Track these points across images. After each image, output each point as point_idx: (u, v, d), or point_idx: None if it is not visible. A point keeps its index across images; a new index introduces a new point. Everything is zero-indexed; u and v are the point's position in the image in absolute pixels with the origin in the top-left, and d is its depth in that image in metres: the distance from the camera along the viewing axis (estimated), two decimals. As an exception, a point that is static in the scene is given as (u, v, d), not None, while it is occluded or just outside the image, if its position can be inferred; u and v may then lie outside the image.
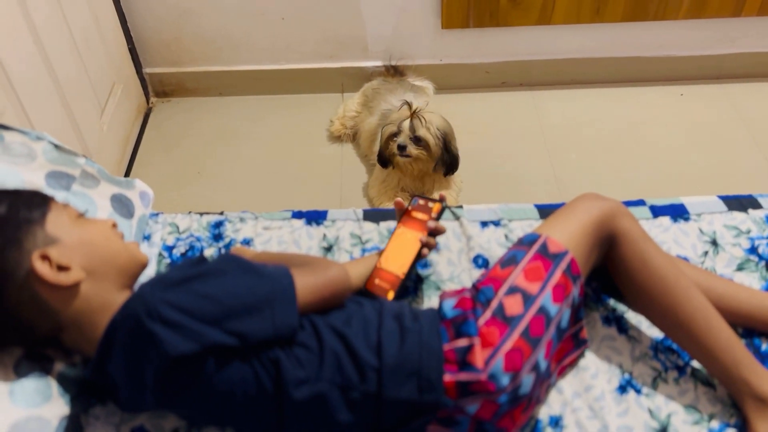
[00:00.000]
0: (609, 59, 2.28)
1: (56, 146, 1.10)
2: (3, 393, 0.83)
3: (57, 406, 0.87)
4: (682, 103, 2.28)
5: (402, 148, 1.78)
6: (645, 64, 2.29)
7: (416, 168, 1.87)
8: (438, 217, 1.09)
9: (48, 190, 1.02)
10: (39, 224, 0.86)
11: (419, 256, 1.06)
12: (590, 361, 1.04)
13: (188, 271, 0.86)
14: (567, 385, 1.01)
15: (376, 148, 1.98)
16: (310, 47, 2.27)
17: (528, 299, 0.92)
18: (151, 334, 0.79)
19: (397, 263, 1.06)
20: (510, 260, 0.98)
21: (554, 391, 1.01)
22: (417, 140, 1.78)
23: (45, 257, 0.83)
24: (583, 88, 2.34)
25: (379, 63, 2.30)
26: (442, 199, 1.11)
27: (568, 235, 0.99)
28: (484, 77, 2.34)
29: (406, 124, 1.78)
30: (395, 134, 1.80)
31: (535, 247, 0.97)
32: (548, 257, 0.96)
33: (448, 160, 1.85)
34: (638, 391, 1.01)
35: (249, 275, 0.88)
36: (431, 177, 1.93)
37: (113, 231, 0.94)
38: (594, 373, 1.02)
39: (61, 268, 0.84)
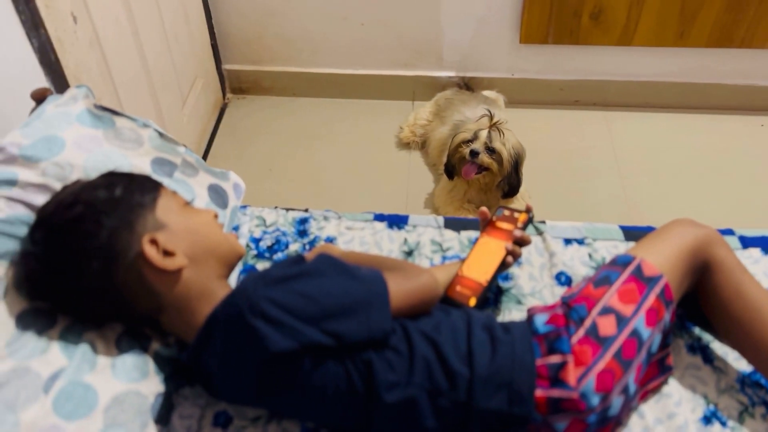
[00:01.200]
0: (688, 84, 2.25)
1: (160, 134, 1.14)
2: (105, 366, 0.87)
3: (153, 383, 0.90)
4: (763, 134, 2.22)
5: (475, 153, 1.78)
6: (726, 91, 2.24)
7: (482, 181, 1.87)
8: (524, 227, 1.09)
9: (153, 176, 1.06)
10: (150, 209, 0.89)
11: (504, 265, 1.06)
12: (674, 388, 1.03)
13: (289, 269, 0.88)
14: (649, 411, 1.00)
15: (446, 157, 1.99)
16: (386, 54, 2.30)
17: (621, 321, 0.91)
18: (253, 329, 0.81)
19: (480, 270, 1.06)
20: (603, 280, 0.97)
21: (635, 415, 0.99)
22: (491, 151, 1.78)
23: (154, 241, 0.87)
24: (659, 112, 2.31)
25: (452, 73, 2.32)
26: (528, 210, 1.11)
27: (663, 259, 0.98)
28: (558, 94, 2.33)
29: (484, 132, 1.78)
30: (469, 140, 1.80)
31: (630, 268, 0.97)
32: (643, 280, 0.95)
33: (513, 182, 1.84)
34: (723, 424, 0.98)
35: (346, 277, 0.89)
36: (496, 192, 1.93)
37: (215, 221, 0.97)
38: (677, 401, 1.01)
39: (167, 254, 0.87)
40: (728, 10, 2.01)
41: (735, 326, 0.99)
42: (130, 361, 0.89)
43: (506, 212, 1.12)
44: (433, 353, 0.88)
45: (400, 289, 0.91)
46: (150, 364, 0.91)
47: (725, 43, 2.09)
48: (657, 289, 0.95)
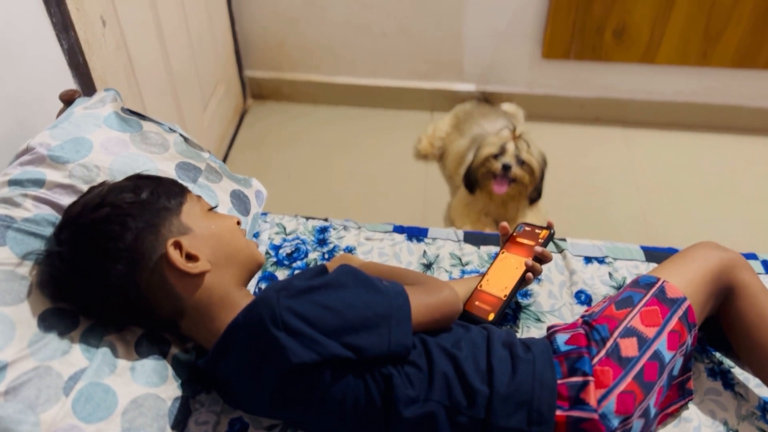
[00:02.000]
0: (711, 105, 2.23)
1: (185, 139, 1.15)
2: (125, 369, 0.87)
3: (171, 388, 0.90)
4: (786, 157, 2.21)
5: (507, 167, 1.78)
6: (749, 113, 2.23)
7: (508, 193, 1.86)
8: (545, 244, 1.08)
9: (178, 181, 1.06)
10: (175, 213, 0.90)
11: (523, 281, 1.05)
12: (693, 412, 1.01)
13: (312, 281, 0.88)
14: (667, 435, 0.99)
15: (464, 170, 1.99)
16: (406, 65, 2.31)
17: (643, 343, 0.90)
18: (275, 340, 0.80)
19: (500, 286, 1.05)
20: (626, 301, 0.96)
21: (654, 439, 0.98)
22: (520, 162, 1.78)
23: (178, 245, 0.87)
24: (681, 131, 2.30)
25: (472, 87, 2.32)
26: (549, 227, 1.10)
27: (686, 282, 0.97)
28: (578, 111, 2.33)
29: (511, 145, 1.78)
30: (496, 155, 1.80)
31: (653, 290, 0.96)
32: (665, 302, 0.94)
33: (540, 187, 1.84)
34: (744, 451, 0.97)
35: (368, 290, 0.89)
36: (515, 204, 1.92)
37: (238, 228, 0.97)
38: (697, 426, 0.99)
39: (190, 258, 0.88)
40: (753, 31, 2.00)
41: (757, 352, 0.97)
42: (150, 364, 0.90)
43: (527, 228, 1.12)
44: (453, 369, 0.88)
45: (421, 304, 0.90)
46: (169, 368, 0.92)
47: (749, 65, 2.08)
48: (680, 312, 0.94)
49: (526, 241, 1.10)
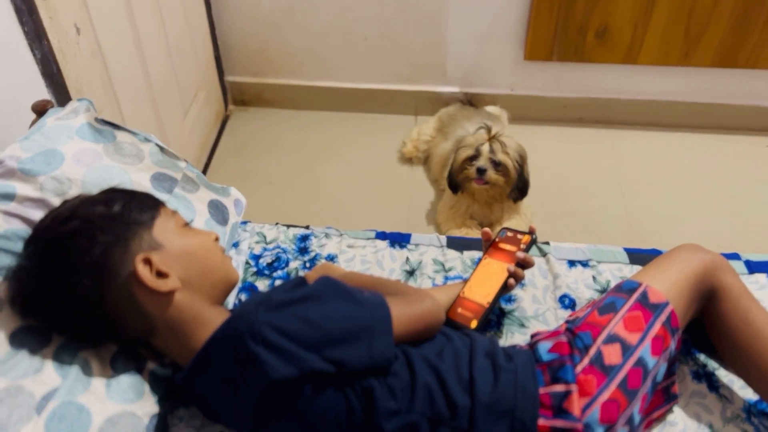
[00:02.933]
0: (693, 104, 2.24)
1: (161, 149, 1.13)
2: (100, 386, 0.85)
3: (148, 404, 0.88)
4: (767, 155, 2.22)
5: (482, 171, 1.76)
6: (731, 112, 2.24)
7: (489, 193, 1.85)
8: (527, 249, 1.08)
9: (152, 192, 1.04)
10: (147, 228, 0.88)
11: (506, 287, 1.04)
12: (678, 416, 1.01)
13: (291, 294, 0.86)
14: (653, 440, 0.98)
15: (447, 172, 1.98)
16: (389, 68, 2.30)
17: (627, 349, 0.89)
18: (253, 356, 0.79)
19: (482, 293, 1.04)
20: (608, 307, 0.95)
21: (639, 444, 0.97)
22: (496, 164, 1.77)
23: (147, 261, 0.85)
24: (664, 131, 2.30)
25: (456, 89, 2.31)
26: (531, 232, 1.09)
27: (668, 286, 0.96)
28: (562, 112, 2.33)
29: (485, 147, 1.76)
30: (473, 157, 1.79)
31: (636, 295, 0.95)
32: (648, 307, 0.93)
33: (520, 185, 1.83)
34: (729, 454, 0.97)
35: (348, 302, 0.87)
36: (500, 204, 1.91)
37: (215, 245, 0.95)
38: (682, 430, 0.99)
39: (160, 275, 0.85)
40: (733, 31, 2.01)
41: (741, 354, 0.97)
42: (125, 381, 0.88)
43: (509, 233, 1.11)
44: (436, 380, 0.86)
45: (403, 315, 0.89)
46: (145, 384, 0.90)
47: (730, 64, 2.09)
48: (663, 317, 0.93)
49: (508, 247, 1.09)
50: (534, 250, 1.24)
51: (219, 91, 2.36)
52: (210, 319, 0.86)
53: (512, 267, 1.04)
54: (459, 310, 1.04)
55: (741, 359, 0.98)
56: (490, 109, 2.23)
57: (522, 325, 1.12)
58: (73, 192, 0.97)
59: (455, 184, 1.88)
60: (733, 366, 1.02)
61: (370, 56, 2.27)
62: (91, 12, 1.44)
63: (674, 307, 0.95)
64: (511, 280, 1.04)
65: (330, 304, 0.86)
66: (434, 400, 0.85)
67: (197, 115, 2.13)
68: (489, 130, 1.78)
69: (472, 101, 2.29)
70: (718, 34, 2.02)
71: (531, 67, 2.21)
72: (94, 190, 0.94)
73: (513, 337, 1.11)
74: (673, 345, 0.94)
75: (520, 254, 1.05)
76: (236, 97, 2.45)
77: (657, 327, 0.92)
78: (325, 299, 0.86)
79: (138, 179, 1.05)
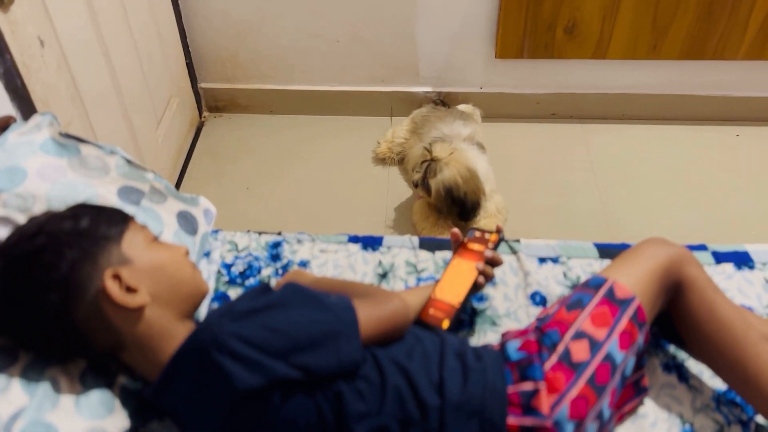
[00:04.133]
0: (663, 96, 2.26)
1: (128, 161, 1.12)
2: (69, 403, 0.84)
3: (119, 419, 0.88)
4: (738, 144, 2.25)
5: (415, 185, 1.90)
6: (700, 103, 2.27)
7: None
8: (495, 247, 1.09)
9: (119, 205, 1.04)
10: (116, 242, 0.87)
11: (476, 286, 1.05)
12: (649, 408, 1.02)
13: (255, 302, 0.86)
14: (625, 432, 0.99)
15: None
16: (362, 71, 2.30)
17: (595, 345, 0.90)
18: (219, 367, 0.78)
19: (453, 293, 1.05)
20: (576, 303, 0.96)
21: (612, 437, 0.99)
22: (425, 184, 1.85)
23: (116, 276, 0.84)
24: (636, 124, 2.32)
25: (429, 89, 2.32)
26: (499, 230, 1.10)
27: (634, 281, 0.97)
28: (534, 108, 2.34)
29: (424, 165, 1.85)
30: (417, 169, 1.88)
31: (602, 291, 0.96)
32: (615, 303, 0.95)
33: (455, 211, 1.87)
34: (700, 444, 0.98)
35: (314, 308, 0.87)
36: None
37: (185, 259, 0.95)
38: (653, 422, 1.00)
39: (129, 290, 0.85)
40: (699, 22, 2.03)
41: (708, 346, 0.98)
42: (95, 396, 0.87)
43: (477, 233, 1.12)
44: (405, 382, 0.87)
45: (370, 317, 0.89)
46: (116, 399, 0.89)
47: (697, 56, 2.11)
48: (630, 312, 0.94)
49: (477, 247, 1.09)
50: (505, 248, 1.25)
51: (192, 98, 2.35)
52: (179, 333, 0.86)
53: (481, 265, 1.04)
54: (431, 311, 1.04)
55: (708, 350, 0.99)
56: (463, 107, 2.24)
57: (494, 324, 1.13)
58: (37, 208, 0.97)
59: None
60: (701, 357, 1.03)
61: (342, 59, 2.27)
62: (55, 24, 1.43)
63: (641, 301, 0.96)
64: (481, 279, 1.04)
65: (295, 310, 0.86)
66: (404, 402, 0.85)
67: (170, 123, 2.12)
68: (430, 152, 1.84)
69: (445, 101, 2.29)
70: (684, 27, 2.04)
71: (502, 65, 2.22)
72: (60, 205, 0.93)
73: (485, 336, 1.12)
74: (641, 339, 0.96)
75: (488, 253, 1.06)
76: (210, 103, 2.44)
77: (624, 322, 0.93)
78: (289, 306, 0.86)
79: (104, 192, 1.04)
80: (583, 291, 0.98)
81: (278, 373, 0.80)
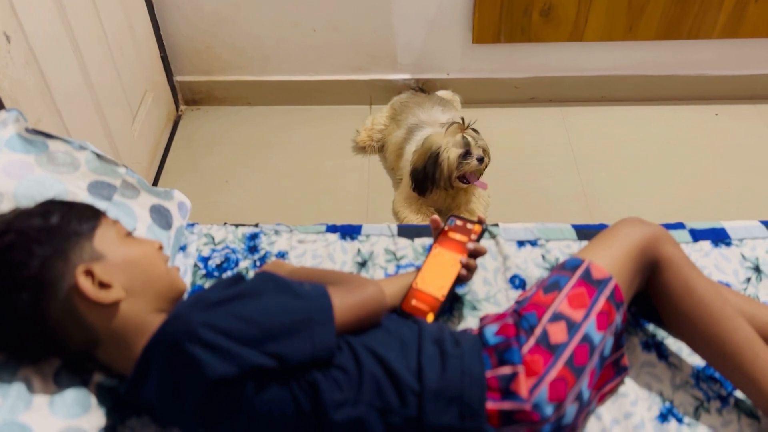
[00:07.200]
0: (641, 77, 2.27)
1: (98, 156, 1.10)
2: (43, 404, 0.83)
3: (95, 417, 0.86)
4: (717, 122, 2.26)
5: (481, 159, 1.79)
6: (678, 82, 2.27)
7: (457, 196, 1.92)
8: (478, 239, 1.08)
9: (90, 200, 1.02)
10: (87, 238, 0.86)
11: (459, 279, 1.05)
12: (629, 387, 1.02)
13: (226, 291, 0.85)
14: (606, 412, 0.99)
15: (404, 162, 1.97)
16: (340, 59, 2.28)
17: (572, 327, 0.90)
18: (190, 357, 0.78)
19: (436, 285, 1.04)
20: (553, 285, 0.96)
21: (593, 417, 0.99)
22: (483, 151, 1.80)
23: (89, 272, 0.83)
24: (614, 105, 2.33)
25: (408, 76, 2.31)
26: (481, 221, 1.10)
27: (610, 261, 0.97)
28: (514, 92, 2.34)
29: (470, 139, 1.78)
30: (465, 154, 1.78)
31: (579, 272, 0.96)
32: (592, 283, 0.94)
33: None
34: (680, 421, 0.99)
35: (287, 296, 0.86)
36: (458, 191, 1.92)
37: (158, 254, 0.93)
38: (634, 401, 1.00)
39: (103, 286, 0.83)
40: (674, 2, 2.03)
41: (686, 323, 0.99)
42: (70, 396, 0.86)
43: (458, 222, 1.11)
44: (382, 370, 0.86)
45: (344, 304, 0.89)
46: (92, 397, 0.88)
47: (673, 35, 2.11)
48: (607, 292, 0.94)
49: (458, 237, 1.08)
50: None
51: (168, 91, 2.32)
52: (153, 327, 0.85)
53: (464, 259, 1.04)
54: (413, 302, 1.03)
55: (686, 327, 1.00)
56: (442, 93, 2.23)
57: (474, 308, 1.13)
58: (4, 206, 0.95)
59: (425, 186, 1.86)
60: (680, 334, 1.04)
61: (319, 48, 2.25)
62: (21, 19, 1.40)
63: (618, 281, 0.96)
64: (464, 271, 1.04)
65: (267, 298, 0.85)
66: (382, 389, 0.85)
67: (146, 117, 2.09)
68: (463, 121, 1.79)
69: (423, 88, 2.28)
70: (660, 7, 2.04)
71: (480, 50, 2.21)
72: (28, 202, 0.91)
73: (465, 321, 1.11)
74: (618, 319, 0.96)
75: (471, 245, 1.06)
76: (187, 96, 2.41)
77: (601, 302, 0.93)
78: (261, 294, 0.85)
79: (74, 189, 1.02)
80: (560, 273, 0.98)
81: (251, 362, 0.79)
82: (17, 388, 0.82)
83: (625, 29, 2.10)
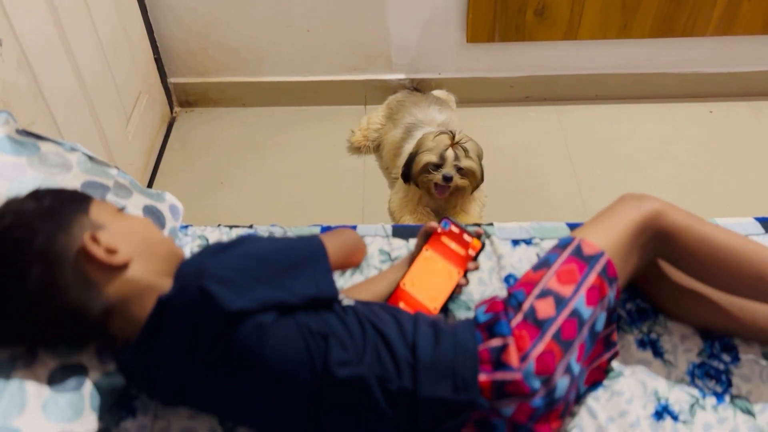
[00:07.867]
0: (635, 75, 2.27)
1: (90, 157, 1.10)
2: (36, 407, 0.83)
3: (89, 421, 0.86)
4: (712, 120, 2.26)
5: (448, 179, 1.76)
6: (673, 80, 2.27)
7: (452, 198, 1.88)
8: (476, 257, 1.07)
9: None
10: (84, 212, 0.88)
11: (453, 293, 1.05)
12: (625, 385, 1.02)
13: (226, 243, 0.91)
14: (601, 410, 0.99)
15: (400, 162, 1.97)
16: (334, 59, 2.28)
17: (560, 302, 0.90)
18: (207, 293, 0.80)
19: (427, 294, 1.04)
20: (543, 263, 0.96)
21: (587, 415, 0.99)
22: (460, 169, 1.78)
23: (94, 239, 0.85)
24: (609, 103, 2.33)
25: (402, 76, 2.30)
26: (479, 235, 1.08)
27: (604, 237, 0.97)
28: (508, 91, 2.33)
29: (450, 154, 1.75)
30: (438, 165, 1.77)
31: (569, 249, 0.96)
32: (583, 259, 0.94)
33: (479, 182, 1.85)
34: (675, 418, 0.98)
35: (283, 240, 0.95)
36: (454, 193, 1.92)
37: (152, 223, 0.98)
38: (629, 399, 1.00)
39: (110, 251, 0.85)
40: (668, 0, 2.03)
41: (720, 274, 0.99)
42: (64, 398, 0.86)
43: (453, 228, 1.08)
44: (382, 341, 0.89)
45: (331, 244, 0.97)
46: (86, 400, 0.88)
47: (668, 33, 2.11)
48: (598, 267, 0.93)
49: (454, 246, 1.07)
50: (478, 232, 1.25)
51: (162, 93, 2.32)
52: (162, 287, 0.86)
53: (464, 280, 1.06)
54: (401, 305, 1.03)
55: (723, 279, 1.00)
56: (437, 93, 2.23)
57: (468, 309, 1.12)
58: (-4, 208, 0.94)
59: (409, 177, 1.87)
60: (714, 283, 1.02)
61: (314, 48, 2.24)
62: (12, 21, 1.39)
63: (611, 256, 0.95)
64: (459, 289, 1.08)
65: (266, 242, 0.95)
66: (381, 357, 0.87)
67: (141, 119, 2.09)
68: (453, 136, 1.78)
69: (418, 87, 2.28)
70: (654, 4, 2.04)
71: (474, 49, 2.21)
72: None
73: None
74: (611, 294, 0.95)
75: (471, 265, 1.07)
76: (181, 98, 2.40)
77: (592, 277, 0.93)
78: (259, 240, 0.95)
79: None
80: (551, 252, 0.98)
81: (263, 295, 0.84)
82: (10, 393, 0.82)
83: (620, 27, 2.10)
